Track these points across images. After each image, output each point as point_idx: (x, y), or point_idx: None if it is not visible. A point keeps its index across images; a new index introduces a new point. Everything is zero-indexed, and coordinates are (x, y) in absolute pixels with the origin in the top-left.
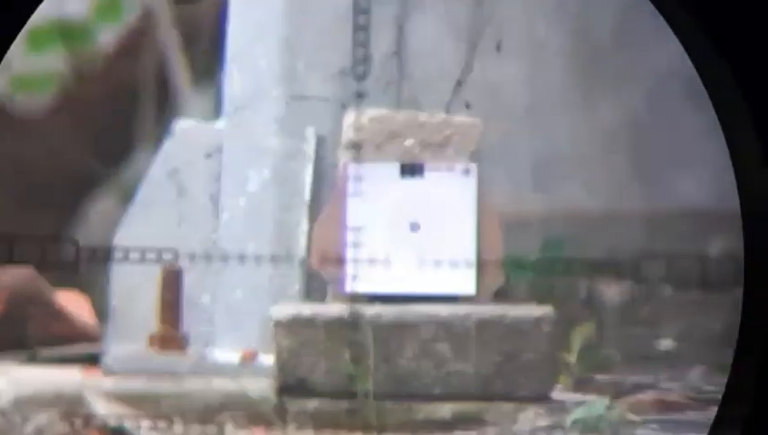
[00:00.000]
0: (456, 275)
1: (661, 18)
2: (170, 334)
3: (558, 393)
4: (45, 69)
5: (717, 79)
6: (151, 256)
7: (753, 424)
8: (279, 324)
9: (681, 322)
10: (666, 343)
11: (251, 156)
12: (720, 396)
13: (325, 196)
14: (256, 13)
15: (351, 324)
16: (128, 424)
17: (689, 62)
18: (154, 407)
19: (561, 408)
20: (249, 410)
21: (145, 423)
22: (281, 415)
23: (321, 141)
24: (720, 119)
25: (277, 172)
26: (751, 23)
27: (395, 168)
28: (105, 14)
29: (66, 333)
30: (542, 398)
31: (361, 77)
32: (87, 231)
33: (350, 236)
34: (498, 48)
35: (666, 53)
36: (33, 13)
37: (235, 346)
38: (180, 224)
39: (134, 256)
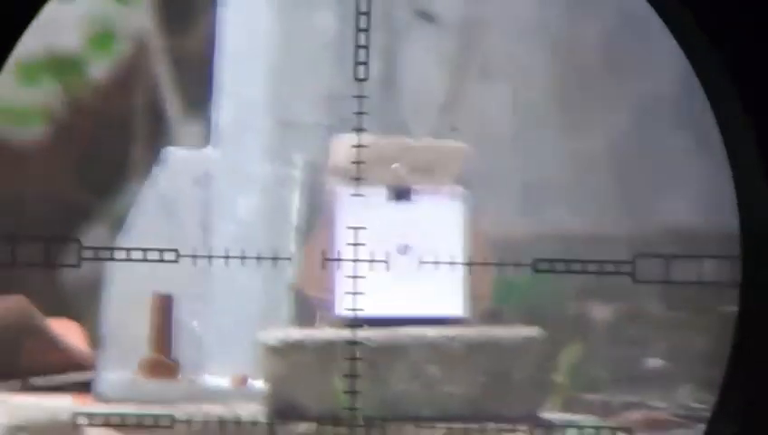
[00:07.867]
0: (445, 298)
1: (646, 43)
2: (161, 360)
3: (547, 413)
4: (36, 102)
5: (719, 91)
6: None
7: None
8: (269, 349)
9: (669, 341)
10: (654, 362)
11: (240, 183)
12: (708, 414)
13: (314, 221)
14: (244, 42)
15: (341, 348)
16: None
17: (673, 86)
18: (146, 433)
19: (550, 428)
20: None
21: None
22: None
23: (309, 167)
24: (721, 133)
25: (266, 198)
26: (755, 33)
27: (383, 192)
28: (98, 46)
29: (59, 361)
30: (531, 418)
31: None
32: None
33: (339, 260)
34: (485, 74)
35: (649, 77)
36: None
37: (226, 371)
38: None
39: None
